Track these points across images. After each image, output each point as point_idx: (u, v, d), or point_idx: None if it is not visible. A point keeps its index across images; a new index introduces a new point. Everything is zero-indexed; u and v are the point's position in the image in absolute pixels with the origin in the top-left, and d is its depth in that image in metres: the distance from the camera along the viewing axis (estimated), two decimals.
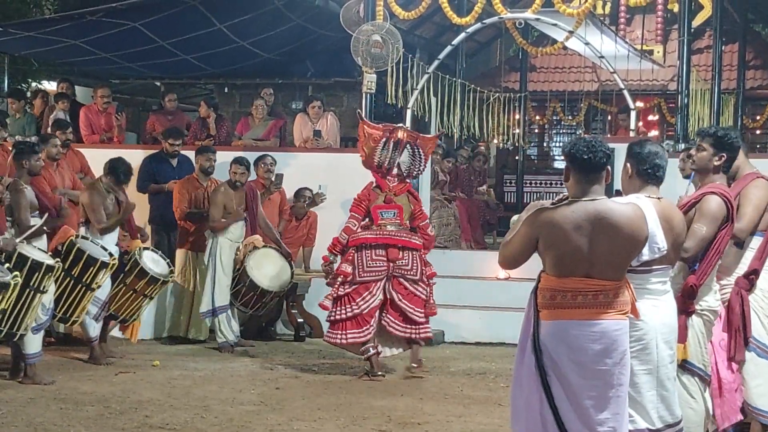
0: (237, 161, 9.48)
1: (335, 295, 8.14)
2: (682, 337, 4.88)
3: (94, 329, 8.46)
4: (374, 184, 8.39)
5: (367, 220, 8.27)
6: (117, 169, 8.63)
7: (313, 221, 10.76)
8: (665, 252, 4.54)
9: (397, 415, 6.88)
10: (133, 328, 8.94)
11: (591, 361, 4.20)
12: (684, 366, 4.98)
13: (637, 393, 4.51)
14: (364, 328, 8.09)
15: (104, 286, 8.30)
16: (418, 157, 8.36)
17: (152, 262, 8.69)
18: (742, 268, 5.45)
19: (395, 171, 8.32)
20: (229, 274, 9.31)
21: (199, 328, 9.73)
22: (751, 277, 5.37)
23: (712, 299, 5.12)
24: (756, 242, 5.47)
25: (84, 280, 8.00)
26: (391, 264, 8.09)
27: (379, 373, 8.14)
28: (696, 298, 5.00)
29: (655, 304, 4.57)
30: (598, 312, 4.21)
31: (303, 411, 6.93)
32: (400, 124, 8.81)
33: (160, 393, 7.38)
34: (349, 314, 8.09)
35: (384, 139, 8.27)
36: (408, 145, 8.31)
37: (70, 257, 7.95)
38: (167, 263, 8.92)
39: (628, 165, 4.79)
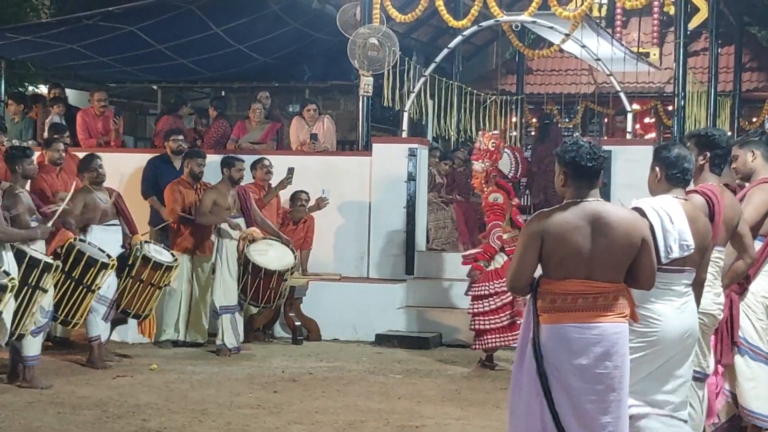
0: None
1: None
2: None
3: (96, 328, 8.42)
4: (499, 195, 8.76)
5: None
6: (90, 164, 8.63)
7: (311, 224, 10.75)
8: (693, 251, 4.58)
9: (394, 417, 6.88)
10: (150, 325, 8.97)
11: (592, 365, 4.22)
12: None
13: (642, 384, 4.54)
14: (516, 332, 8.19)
15: (110, 285, 8.32)
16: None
17: (155, 251, 8.74)
18: None
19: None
20: (234, 274, 9.33)
21: (199, 331, 9.72)
22: (741, 281, 5.37)
23: (709, 301, 5.07)
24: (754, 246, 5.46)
25: (85, 281, 7.99)
26: None
27: (494, 363, 8.66)
28: None
29: (678, 306, 4.60)
30: (598, 314, 4.23)
31: (300, 414, 6.93)
32: (493, 132, 9.54)
33: (158, 397, 7.38)
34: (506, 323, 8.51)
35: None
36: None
37: (70, 259, 7.94)
38: (171, 253, 8.96)
39: (657, 169, 4.82)
